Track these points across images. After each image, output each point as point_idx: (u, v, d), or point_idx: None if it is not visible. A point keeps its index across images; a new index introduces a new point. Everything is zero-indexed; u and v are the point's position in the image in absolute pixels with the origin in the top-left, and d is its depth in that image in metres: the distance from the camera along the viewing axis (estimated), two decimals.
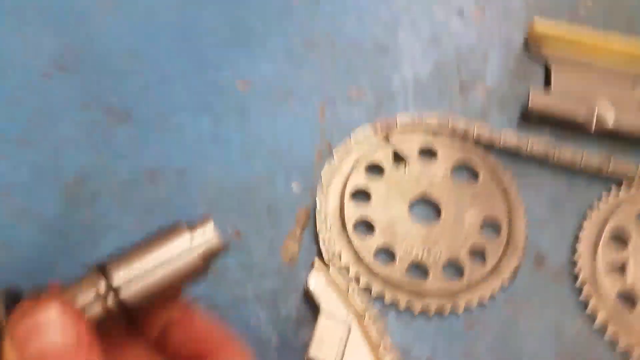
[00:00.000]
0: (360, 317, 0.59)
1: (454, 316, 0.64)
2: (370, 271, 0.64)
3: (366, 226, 0.67)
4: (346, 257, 0.64)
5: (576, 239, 0.68)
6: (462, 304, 0.64)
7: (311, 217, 0.67)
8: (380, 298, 0.64)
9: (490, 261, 0.65)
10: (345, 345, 0.57)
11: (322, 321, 0.58)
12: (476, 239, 0.66)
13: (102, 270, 0.40)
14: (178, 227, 0.43)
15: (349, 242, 0.65)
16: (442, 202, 0.68)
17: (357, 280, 0.63)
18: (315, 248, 0.65)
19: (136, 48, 0.77)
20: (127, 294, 0.40)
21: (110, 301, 0.39)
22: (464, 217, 0.67)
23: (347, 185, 0.68)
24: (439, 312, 0.64)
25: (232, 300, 0.63)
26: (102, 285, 0.40)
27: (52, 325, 0.34)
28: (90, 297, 0.39)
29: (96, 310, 0.39)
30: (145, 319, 0.45)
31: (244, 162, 0.70)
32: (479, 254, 0.66)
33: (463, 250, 0.66)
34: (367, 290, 0.63)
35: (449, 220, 0.67)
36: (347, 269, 0.63)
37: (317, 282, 0.60)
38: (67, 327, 0.34)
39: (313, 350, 0.56)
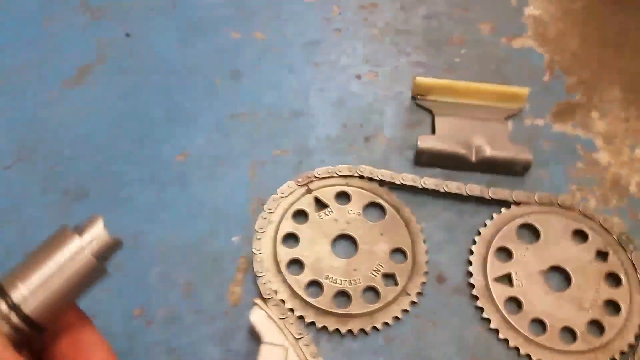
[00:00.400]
0: (296, 343, 0.71)
1: (375, 334, 0.77)
2: (303, 303, 0.76)
3: (297, 265, 0.80)
4: (282, 293, 0.77)
5: (469, 256, 0.83)
6: (380, 322, 0.77)
7: (250, 263, 0.79)
8: (312, 325, 0.76)
9: (401, 282, 0.79)
10: None
11: (264, 348, 0.69)
12: (387, 265, 0.80)
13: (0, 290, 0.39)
14: (65, 232, 0.43)
15: (284, 280, 0.78)
16: (358, 238, 0.82)
17: (293, 311, 0.76)
18: (256, 289, 0.78)
19: (85, 134, 0.89)
20: (30, 308, 0.39)
21: (15, 319, 0.39)
22: (375, 249, 0.81)
23: (278, 232, 0.81)
24: (363, 332, 0.77)
25: (189, 341, 0.74)
26: (2, 306, 0.39)
27: None
28: None
29: (5, 329, 0.39)
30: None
31: (189, 222, 0.83)
32: (390, 278, 0.80)
33: (378, 276, 0.79)
34: (301, 319, 0.76)
35: (364, 252, 0.81)
36: (284, 303, 0.76)
37: (257, 317, 0.72)
38: None
39: None
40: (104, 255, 0.44)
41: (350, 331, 0.76)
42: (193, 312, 0.76)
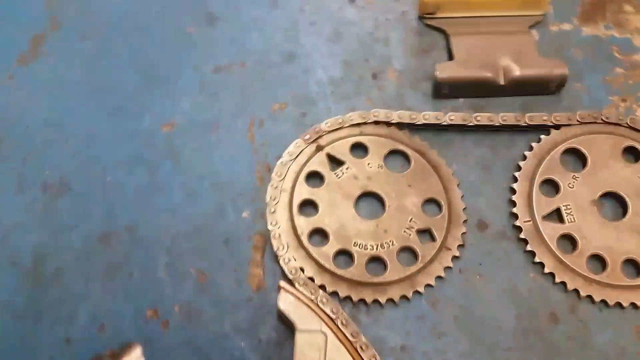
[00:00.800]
0: (333, 324, 0.63)
1: (418, 299, 0.69)
2: (333, 277, 0.68)
3: (320, 235, 0.71)
4: (308, 270, 0.68)
5: (511, 196, 0.73)
6: (422, 285, 0.68)
7: (268, 240, 0.70)
8: (348, 300, 0.68)
9: (439, 237, 0.70)
10: (325, 354, 0.61)
11: (299, 337, 0.61)
12: (421, 220, 0.71)
13: None
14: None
15: (308, 254, 0.68)
16: (383, 194, 0.72)
17: (324, 288, 0.67)
18: (278, 269, 0.69)
19: (54, 117, 0.77)
20: None
21: None
22: (405, 203, 0.72)
23: (293, 200, 0.71)
24: (404, 298, 0.68)
25: (212, 338, 0.66)
26: None
27: None
28: None
29: None
30: None
31: (190, 203, 0.72)
32: (427, 233, 0.71)
33: (412, 234, 0.70)
34: (335, 295, 0.67)
35: (393, 209, 0.71)
36: (312, 280, 0.67)
37: (286, 302, 0.63)
38: None
39: None
40: None
41: (390, 300, 0.68)
42: (212, 305, 0.67)
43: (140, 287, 0.67)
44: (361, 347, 0.63)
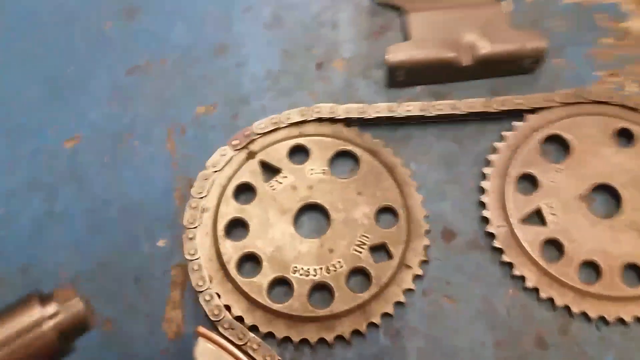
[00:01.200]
0: None
1: (374, 332, 0.57)
2: (268, 313, 0.56)
3: (251, 262, 0.58)
4: (236, 307, 0.56)
5: (480, 197, 0.61)
6: (378, 314, 0.56)
7: (187, 274, 0.58)
8: (287, 341, 0.56)
9: (396, 253, 0.58)
10: None
11: None
12: (374, 234, 0.59)
13: None
14: (29, 299, 0.39)
15: (236, 287, 0.56)
16: (328, 206, 0.60)
17: (256, 329, 0.55)
18: (201, 309, 0.57)
19: None
20: None
21: None
22: (354, 215, 0.59)
23: (218, 221, 0.59)
24: (357, 334, 0.56)
25: None
26: None
27: None
28: None
29: None
30: None
31: (95, 235, 0.60)
32: (381, 250, 0.59)
33: (364, 252, 0.58)
34: (271, 336, 0.55)
35: (339, 224, 0.59)
36: (241, 321, 0.55)
37: (204, 353, 0.51)
38: None
39: None
40: (70, 333, 0.39)
41: (340, 337, 0.56)
42: (122, 358, 0.55)
43: None
44: None
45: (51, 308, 0.39)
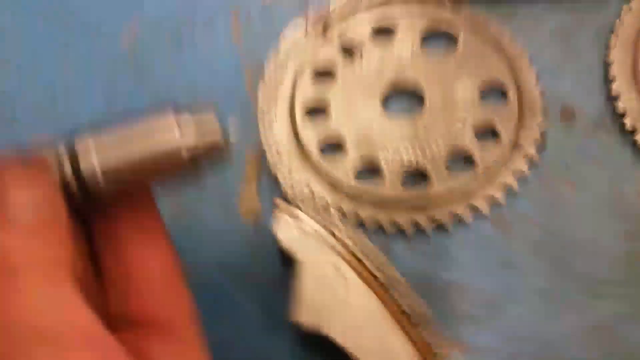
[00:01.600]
0: (352, 256, 0.50)
1: (476, 220, 0.54)
2: (354, 197, 0.55)
3: (334, 148, 0.57)
4: (319, 190, 0.55)
5: (608, 69, 0.58)
6: (483, 199, 0.54)
7: (263, 163, 0.59)
8: (376, 227, 0.54)
9: (505, 134, 0.55)
10: (339, 295, 0.48)
11: (305, 276, 0.49)
12: (480, 112, 0.57)
13: (68, 140, 0.36)
14: (164, 111, 0.37)
15: (318, 172, 0.56)
16: (422, 85, 0.58)
17: (341, 212, 0.55)
18: (279, 193, 0.57)
19: None
20: (86, 165, 0.35)
21: (68, 170, 0.35)
22: (454, 93, 0.58)
23: (295, 104, 0.58)
24: (457, 219, 0.54)
25: (197, 285, 0.54)
26: (62, 151, 0.35)
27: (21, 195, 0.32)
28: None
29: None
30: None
31: None
32: (488, 132, 0.56)
33: (467, 132, 0.56)
34: (357, 222, 0.55)
35: (437, 102, 0.57)
36: (325, 204, 0.55)
37: (286, 230, 0.51)
38: (38, 195, 0.33)
39: (297, 313, 0.48)
40: (202, 157, 0.38)
41: (436, 222, 0.54)
42: (193, 243, 0.56)
43: None
44: (392, 285, 0.50)
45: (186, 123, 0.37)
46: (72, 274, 0.32)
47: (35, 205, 0.32)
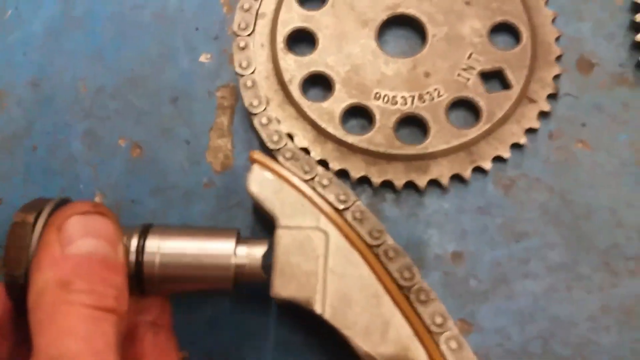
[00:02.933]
0: (340, 218, 0.43)
1: (481, 179, 0.47)
2: (341, 146, 0.47)
3: (320, 84, 0.49)
4: (301, 137, 0.47)
5: (633, 17, 0.50)
6: (489, 157, 0.47)
7: (238, 94, 0.50)
8: (364, 182, 0.47)
9: (516, 82, 0.48)
10: (325, 263, 0.42)
11: (282, 235, 0.41)
12: (488, 55, 0.48)
13: (145, 228, 0.41)
14: (231, 232, 0.42)
15: (300, 112, 0.47)
16: (425, 17, 0.50)
17: (325, 164, 0.47)
18: (255, 138, 0.49)
19: None
20: (149, 266, 0.40)
21: (133, 260, 0.39)
22: (461, 30, 0.49)
23: (277, 30, 0.49)
24: (458, 180, 0.47)
25: None
26: (134, 238, 0.40)
27: (101, 235, 0.36)
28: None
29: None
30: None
31: (122, 45, 0.51)
32: (496, 77, 0.49)
33: (472, 79, 0.48)
34: (344, 175, 0.47)
35: (440, 41, 0.49)
36: (307, 153, 0.47)
37: (261, 182, 0.44)
38: (113, 242, 0.36)
39: (278, 286, 0.41)
40: (241, 281, 0.41)
41: (435, 182, 0.47)
42: (152, 192, 0.48)
43: (47, 166, 0.49)
44: (386, 254, 0.43)
45: (243, 250, 0.41)
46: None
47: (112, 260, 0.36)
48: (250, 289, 0.43)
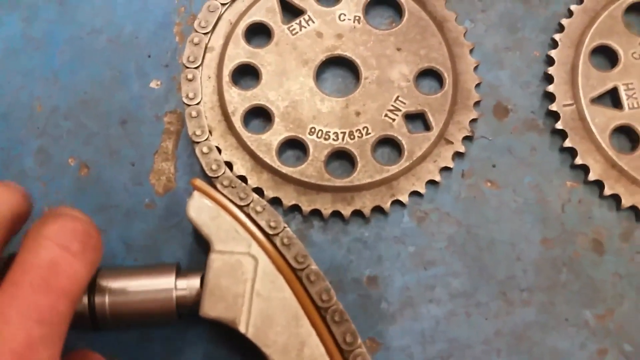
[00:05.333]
0: (270, 243, 0.47)
1: (398, 211, 0.51)
2: (276, 176, 0.51)
3: (261, 117, 0.53)
4: (240, 166, 0.51)
5: (547, 69, 0.55)
6: (406, 192, 0.51)
7: (185, 121, 0.54)
8: (295, 210, 0.51)
9: (435, 125, 0.52)
10: (252, 286, 0.46)
11: (215, 260, 0.45)
12: (413, 99, 0.53)
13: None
14: (169, 267, 0.46)
15: (241, 143, 0.51)
16: (360, 60, 0.53)
17: (260, 192, 0.51)
18: (197, 164, 0.52)
19: None
20: (99, 300, 0.44)
21: (85, 299, 0.43)
22: (391, 74, 0.53)
23: (224, 64, 0.53)
24: (378, 211, 0.51)
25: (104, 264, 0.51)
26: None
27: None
28: None
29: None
30: None
31: (78, 67, 0.54)
32: (418, 119, 0.53)
33: (397, 120, 0.52)
34: (277, 202, 0.51)
35: (371, 83, 0.53)
36: (244, 181, 0.51)
37: (199, 208, 0.48)
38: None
39: (207, 306, 0.45)
40: (186, 307, 0.46)
41: (358, 212, 0.51)
42: (97, 209, 0.51)
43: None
44: (308, 278, 0.47)
45: (183, 283, 0.45)
46: None
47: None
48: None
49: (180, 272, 0.46)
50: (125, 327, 0.46)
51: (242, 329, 0.44)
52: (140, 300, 0.45)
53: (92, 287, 0.44)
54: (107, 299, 0.44)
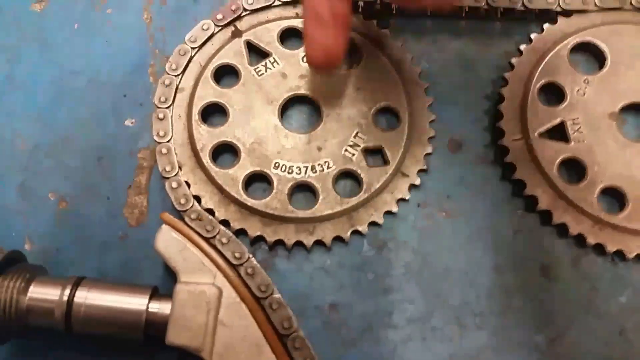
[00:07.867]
0: (234, 273, 0.49)
1: (358, 241, 0.53)
2: (242, 209, 0.52)
3: (228, 152, 0.54)
4: (208, 199, 0.52)
5: (498, 105, 0.57)
6: (365, 222, 0.52)
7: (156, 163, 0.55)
8: (260, 240, 0.52)
9: (392, 159, 0.54)
10: (215, 316, 0.47)
11: (180, 291, 0.47)
12: (371, 135, 0.54)
13: (78, 280, 0.48)
14: (146, 290, 0.48)
15: (209, 177, 0.53)
16: (321, 99, 0.56)
17: (227, 224, 0.53)
18: (167, 198, 0.54)
19: None
20: (77, 305, 0.47)
21: (64, 303, 0.47)
22: (350, 112, 0.55)
23: (194, 103, 0.55)
24: (339, 241, 0.53)
25: None
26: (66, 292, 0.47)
27: None
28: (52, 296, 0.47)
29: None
30: None
31: (58, 106, 0.56)
32: (377, 154, 0.54)
33: (357, 155, 0.54)
34: (243, 234, 0.53)
35: (332, 120, 0.55)
36: (212, 214, 0.53)
37: (166, 241, 0.49)
38: None
39: (172, 334, 0.46)
40: (154, 328, 0.47)
41: (319, 242, 0.52)
42: (74, 241, 0.53)
43: None
44: (271, 306, 0.48)
45: (155, 305, 0.47)
46: None
47: None
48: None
49: (156, 295, 0.48)
50: (94, 331, 0.47)
51: (206, 356, 0.46)
52: (113, 308, 0.46)
53: (75, 286, 0.46)
54: (85, 300, 0.46)
